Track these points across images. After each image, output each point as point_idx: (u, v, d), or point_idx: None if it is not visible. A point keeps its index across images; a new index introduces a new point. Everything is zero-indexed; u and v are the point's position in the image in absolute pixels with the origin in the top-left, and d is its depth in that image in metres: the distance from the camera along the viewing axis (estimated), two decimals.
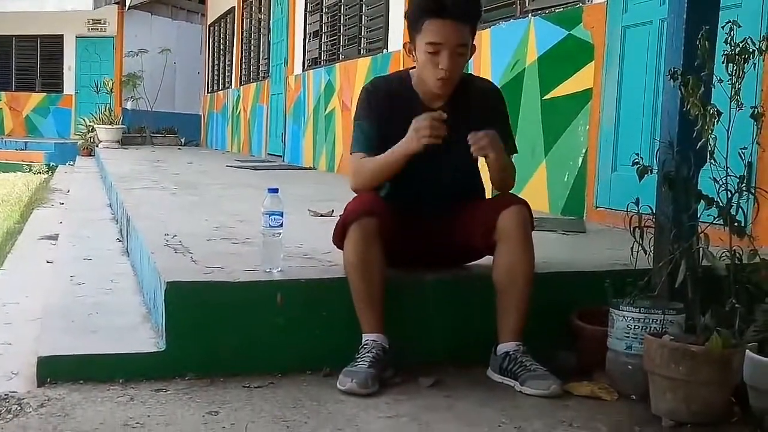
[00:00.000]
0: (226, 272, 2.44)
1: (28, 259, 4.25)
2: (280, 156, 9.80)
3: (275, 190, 2.44)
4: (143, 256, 2.96)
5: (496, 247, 2.34)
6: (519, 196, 2.45)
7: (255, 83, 11.56)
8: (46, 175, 11.32)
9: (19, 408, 1.99)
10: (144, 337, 2.40)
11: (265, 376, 2.26)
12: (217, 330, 2.30)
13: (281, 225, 2.45)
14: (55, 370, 2.17)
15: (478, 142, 2.30)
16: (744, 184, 2.12)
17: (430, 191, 2.47)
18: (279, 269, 2.44)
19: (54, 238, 4.74)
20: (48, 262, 3.92)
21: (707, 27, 2.14)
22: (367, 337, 2.28)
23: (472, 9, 2.42)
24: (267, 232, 2.44)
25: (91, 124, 13.46)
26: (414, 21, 2.38)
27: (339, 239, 2.36)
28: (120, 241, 4.25)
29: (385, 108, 2.44)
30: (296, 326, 2.34)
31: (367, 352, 2.23)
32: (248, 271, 2.47)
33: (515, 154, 2.54)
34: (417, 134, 2.30)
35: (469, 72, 5.03)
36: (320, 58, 8.66)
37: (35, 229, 5.44)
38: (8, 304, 3.09)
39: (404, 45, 2.48)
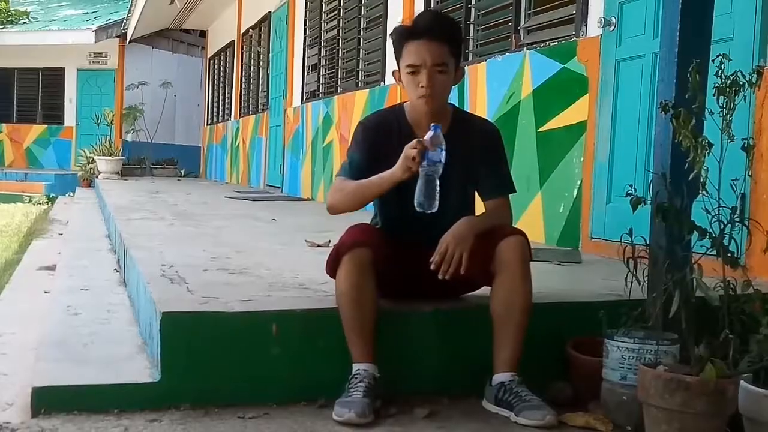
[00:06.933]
0: (222, 302, 2.44)
1: (26, 290, 4.25)
2: (279, 187, 9.83)
3: (437, 127, 2.28)
4: (139, 286, 2.96)
5: (494, 278, 2.35)
6: (516, 226, 2.46)
7: (254, 115, 11.63)
8: (45, 206, 11.33)
9: None
10: (139, 367, 2.40)
11: (260, 406, 2.26)
12: (212, 360, 2.30)
13: (439, 161, 2.26)
14: (49, 401, 2.17)
15: (441, 265, 2.31)
16: (737, 215, 2.14)
17: (426, 227, 2.45)
18: (433, 209, 2.29)
19: (52, 268, 4.74)
20: (45, 292, 3.92)
21: (698, 60, 2.17)
22: (358, 367, 2.27)
23: (445, 28, 2.46)
24: (423, 166, 2.26)
25: (91, 155, 13.50)
26: (396, 48, 2.47)
27: (332, 269, 2.38)
28: (117, 271, 4.25)
29: (379, 143, 2.48)
30: (291, 357, 2.34)
31: (359, 382, 2.23)
32: (244, 301, 2.47)
33: (513, 193, 2.56)
34: (405, 161, 2.27)
35: (466, 104, 5.14)
36: (319, 91, 8.73)
37: (34, 260, 5.44)
38: (5, 335, 3.09)
39: (393, 73, 2.53)
